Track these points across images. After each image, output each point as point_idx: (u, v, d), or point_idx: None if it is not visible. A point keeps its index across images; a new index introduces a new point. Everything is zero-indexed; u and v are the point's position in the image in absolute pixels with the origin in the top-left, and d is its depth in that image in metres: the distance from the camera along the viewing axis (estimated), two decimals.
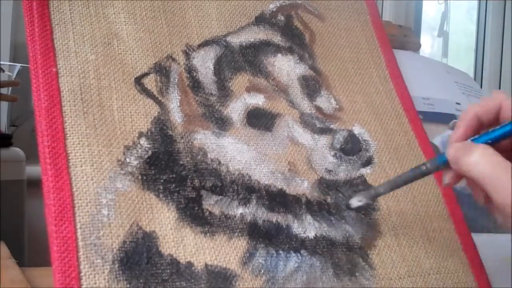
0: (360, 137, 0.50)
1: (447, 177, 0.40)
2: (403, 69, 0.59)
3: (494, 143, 0.37)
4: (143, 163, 0.41)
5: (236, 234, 0.41)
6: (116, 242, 0.37)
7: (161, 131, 0.43)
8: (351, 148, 0.49)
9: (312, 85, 0.52)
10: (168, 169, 0.42)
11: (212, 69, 0.49)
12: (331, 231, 0.44)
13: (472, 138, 0.38)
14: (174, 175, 0.42)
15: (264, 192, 0.44)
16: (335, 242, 0.44)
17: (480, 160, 0.35)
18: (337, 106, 0.52)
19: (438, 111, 0.66)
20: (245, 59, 0.50)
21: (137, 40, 0.47)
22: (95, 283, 0.35)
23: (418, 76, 0.69)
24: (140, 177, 0.41)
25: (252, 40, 0.52)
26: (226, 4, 0.53)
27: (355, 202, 0.44)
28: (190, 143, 0.44)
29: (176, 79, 0.47)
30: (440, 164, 0.40)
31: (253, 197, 0.43)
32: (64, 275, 0.35)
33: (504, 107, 0.38)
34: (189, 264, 0.38)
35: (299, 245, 0.42)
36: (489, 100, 0.39)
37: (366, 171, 0.49)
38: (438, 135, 0.63)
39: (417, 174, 0.42)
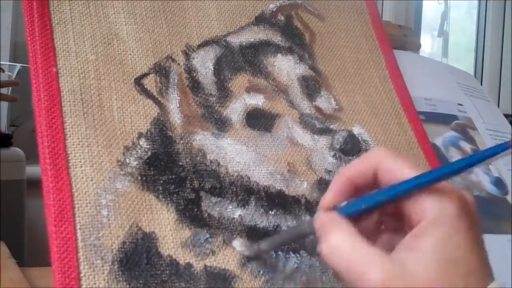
0: (359, 138, 0.50)
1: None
2: (405, 69, 0.59)
3: (373, 210, 0.33)
4: (143, 163, 0.41)
5: (235, 235, 0.41)
6: (116, 243, 0.37)
7: (160, 132, 0.43)
8: (351, 148, 0.49)
9: (312, 85, 0.52)
10: (168, 170, 0.42)
11: (212, 69, 0.49)
12: None
13: (346, 203, 0.33)
14: (173, 176, 0.42)
15: (263, 194, 0.44)
16: None
17: (338, 249, 0.30)
18: (337, 107, 0.52)
19: (440, 112, 0.66)
20: (245, 59, 0.50)
21: (137, 40, 0.47)
22: (95, 284, 0.35)
23: (421, 77, 0.69)
24: (139, 178, 0.41)
25: (252, 40, 0.52)
26: (226, 4, 0.53)
27: (238, 245, 0.40)
28: (189, 144, 0.44)
29: (176, 80, 0.47)
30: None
31: (252, 198, 0.43)
32: (64, 276, 0.35)
33: (380, 170, 0.33)
34: (189, 265, 0.38)
35: (298, 245, 0.42)
36: (363, 161, 0.34)
37: None
38: (440, 136, 0.63)
39: (296, 234, 0.37)
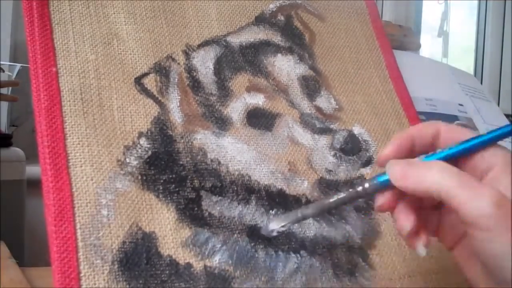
0: (360, 137, 0.50)
1: (383, 199, 0.35)
2: (405, 69, 0.59)
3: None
4: (143, 163, 0.41)
5: (235, 235, 0.41)
6: (116, 243, 0.37)
7: (161, 131, 0.43)
8: (351, 148, 0.49)
9: (312, 85, 0.52)
10: (168, 169, 0.42)
11: (212, 69, 0.49)
12: (331, 231, 0.44)
13: (425, 156, 0.35)
14: (174, 175, 0.42)
15: (263, 193, 0.44)
16: (335, 242, 0.44)
17: (445, 173, 0.32)
18: (337, 106, 0.52)
19: (440, 112, 0.66)
20: (245, 59, 0.50)
21: (137, 40, 0.47)
22: (95, 284, 0.35)
23: (421, 77, 0.69)
24: (140, 177, 0.40)
25: (252, 40, 0.52)
26: (226, 4, 0.53)
27: (275, 226, 0.38)
28: (190, 143, 0.44)
29: (176, 79, 0.47)
30: (380, 184, 0.35)
31: (252, 197, 0.43)
32: (63, 276, 0.35)
33: (443, 134, 0.35)
34: (188, 265, 0.38)
35: (298, 245, 0.42)
36: (427, 124, 0.36)
37: (366, 171, 0.49)
38: None
39: (352, 196, 0.36)
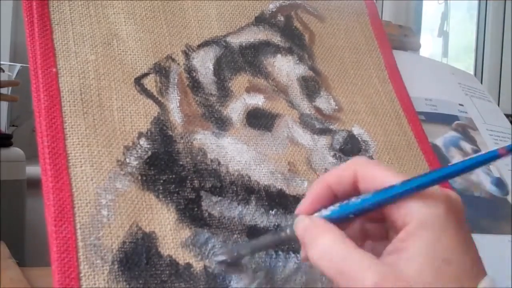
0: (359, 138, 0.50)
1: (303, 253, 0.33)
2: (405, 70, 0.59)
3: (359, 215, 0.32)
4: (143, 163, 0.41)
5: (235, 235, 0.41)
6: (116, 243, 0.37)
7: (161, 132, 0.43)
8: (351, 148, 0.49)
9: (311, 85, 0.52)
10: (168, 169, 0.42)
11: (212, 69, 0.49)
12: None
13: (331, 209, 0.32)
14: (173, 176, 0.42)
15: (263, 193, 0.44)
16: None
17: (328, 253, 0.30)
18: (337, 107, 0.52)
19: (440, 112, 0.66)
20: (244, 60, 0.51)
21: (137, 40, 0.47)
22: (95, 284, 0.35)
23: (421, 77, 0.69)
24: (139, 178, 0.41)
25: (251, 40, 0.52)
26: (226, 4, 0.53)
27: (219, 258, 0.39)
28: (190, 144, 0.44)
29: (176, 79, 0.47)
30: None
31: (252, 198, 0.43)
32: (63, 276, 0.35)
33: (360, 177, 0.32)
34: (188, 265, 0.38)
35: (298, 245, 0.42)
36: (343, 168, 0.33)
37: None
38: (440, 136, 0.63)
39: (276, 240, 0.36)
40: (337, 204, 0.32)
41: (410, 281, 0.28)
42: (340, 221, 0.32)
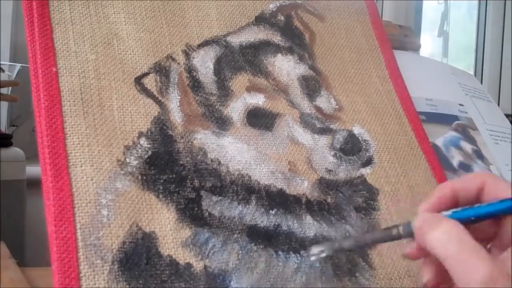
0: (360, 137, 0.50)
1: (409, 248, 0.35)
2: (405, 69, 0.59)
3: (477, 221, 0.34)
4: (143, 163, 0.41)
5: (235, 235, 0.41)
6: (116, 243, 0.37)
7: (161, 131, 0.43)
8: (351, 148, 0.49)
9: (312, 85, 0.52)
10: (168, 169, 0.42)
11: (212, 68, 0.49)
12: (331, 231, 0.44)
13: (453, 210, 0.34)
14: (174, 175, 0.42)
15: (264, 193, 0.44)
16: None
17: (446, 237, 0.32)
18: (337, 106, 0.52)
19: (440, 112, 0.66)
20: (245, 59, 0.50)
21: (137, 40, 0.47)
22: (95, 284, 0.35)
23: (421, 77, 0.69)
24: (140, 177, 0.40)
25: (252, 40, 0.52)
26: (226, 4, 0.53)
27: (316, 251, 0.38)
28: (190, 143, 0.44)
29: (176, 79, 0.47)
30: (411, 232, 0.35)
31: (252, 197, 0.43)
32: (63, 276, 0.35)
33: (487, 187, 0.34)
34: (188, 265, 0.38)
35: (298, 245, 0.42)
36: (471, 178, 0.35)
37: (366, 171, 0.49)
38: (441, 136, 0.63)
39: (386, 237, 0.37)
40: (460, 208, 0.34)
41: None
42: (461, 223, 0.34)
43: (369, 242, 0.39)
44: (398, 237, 0.36)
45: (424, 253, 0.35)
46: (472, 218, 0.33)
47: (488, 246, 0.36)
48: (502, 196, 0.33)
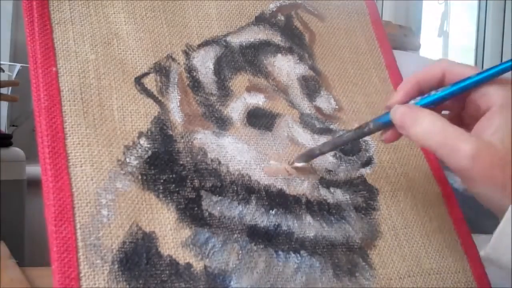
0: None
1: (387, 134, 0.41)
2: (405, 69, 0.59)
3: (437, 105, 0.38)
4: (143, 163, 0.41)
5: (235, 235, 0.41)
6: (116, 243, 0.37)
7: (161, 131, 0.43)
8: (351, 148, 0.49)
9: (311, 85, 0.52)
10: (168, 169, 0.42)
11: (212, 69, 0.49)
12: (331, 231, 0.44)
13: (420, 98, 0.39)
14: (174, 175, 0.42)
15: (264, 193, 0.44)
16: (335, 242, 0.44)
17: (430, 130, 0.36)
18: (337, 107, 0.52)
19: None
20: (245, 59, 0.50)
21: (137, 40, 0.47)
22: (95, 284, 0.35)
23: None
24: (140, 177, 0.40)
25: (252, 40, 0.52)
26: (226, 4, 0.53)
27: (299, 164, 0.46)
28: (190, 143, 0.44)
29: (176, 79, 0.47)
30: (383, 125, 0.41)
31: (252, 197, 0.43)
32: (63, 276, 0.35)
33: (448, 74, 0.39)
34: (188, 265, 0.38)
35: (298, 245, 0.42)
36: (432, 67, 0.39)
37: (366, 171, 0.49)
38: None
39: (359, 134, 0.43)
40: (426, 95, 0.39)
41: (497, 147, 0.34)
42: (429, 107, 0.38)
43: (346, 141, 0.44)
44: (370, 132, 0.42)
45: (398, 136, 0.41)
46: (438, 101, 0.38)
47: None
48: (461, 76, 0.37)
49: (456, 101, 0.40)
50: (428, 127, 0.36)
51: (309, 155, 0.46)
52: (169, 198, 0.40)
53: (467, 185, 0.36)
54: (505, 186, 0.34)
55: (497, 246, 0.34)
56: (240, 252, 0.40)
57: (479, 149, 0.34)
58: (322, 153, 0.45)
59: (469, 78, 0.37)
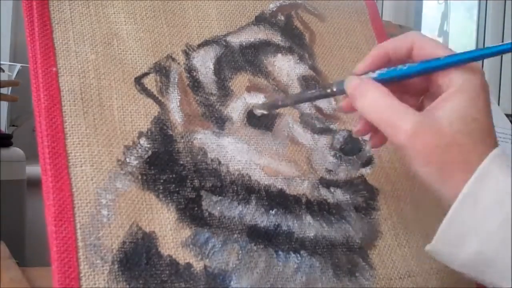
0: (360, 137, 0.50)
1: (345, 104, 0.41)
2: None
3: (400, 80, 0.38)
4: (143, 163, 0.41)
5: (235, 235, 0.41)
6: (116, 243, 0.37)
7: (161, 131, 0.43)
8: (351, 148, 0.49)
9: (312, 85, 0.52)
10: (168, 169, 0.42)
11: (212, 68, 0.49)
12: (331, 231, 0.44)
13: (379, 72, 0.38)
14: (174, 175, 0.42)
15: (264, 193, 0.44)
16: (335, 242, 0.44)
17: (375, 103, 0.36)
18: (337, 106, 0.52)
19: None
20: (245, 59, 0.50)
21: (137, 40, 0.47)
22: (95, 284, 0.35)
23: None
24: (140, 177, 0.40)
25: (252, 40, 0.52)
26: (226, 4, 0.53)
27: (258, 111, 0.46)
28: (190, 143, 0.44)
29: (176, 79, 0.46)
30: (344, 91, 0.40)
31: (252, 197, 0.43)
32: (63, 276, 0.35)
33: (416, 48, 0.38)
34: (188, 265, 0.38)
35: (298, 245, 0.42)
36: (401, 37, 0.39)
37: (366, 171, 0.49)
38: None
39: (322, 94, 0.42)
40: (385, 69, 0.38)
41: (442, 131, 0.34)
42: (388, 83, 0.38)
43: (308, 98, 0.45)
44: (332, 94, 0.41)
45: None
46: (402, 76, 0.37)
47: (421, 99, 0.40)
48: (430, 53, 0.37)
49: (423, 79, 0.39)
50: (373, 101, 0.36)
51: (271, 105, 0.46)
52: (169, 198, 0.40)
53: (408, 163, 0.36)
54: (443, 168, 0.34)
55: (442, 241, 0.34)
56: (240, 252, 0.40)
57: (420, 128, 0.34)
58: (284, 105, 0.46)
59: (438, 59, 0.36)
